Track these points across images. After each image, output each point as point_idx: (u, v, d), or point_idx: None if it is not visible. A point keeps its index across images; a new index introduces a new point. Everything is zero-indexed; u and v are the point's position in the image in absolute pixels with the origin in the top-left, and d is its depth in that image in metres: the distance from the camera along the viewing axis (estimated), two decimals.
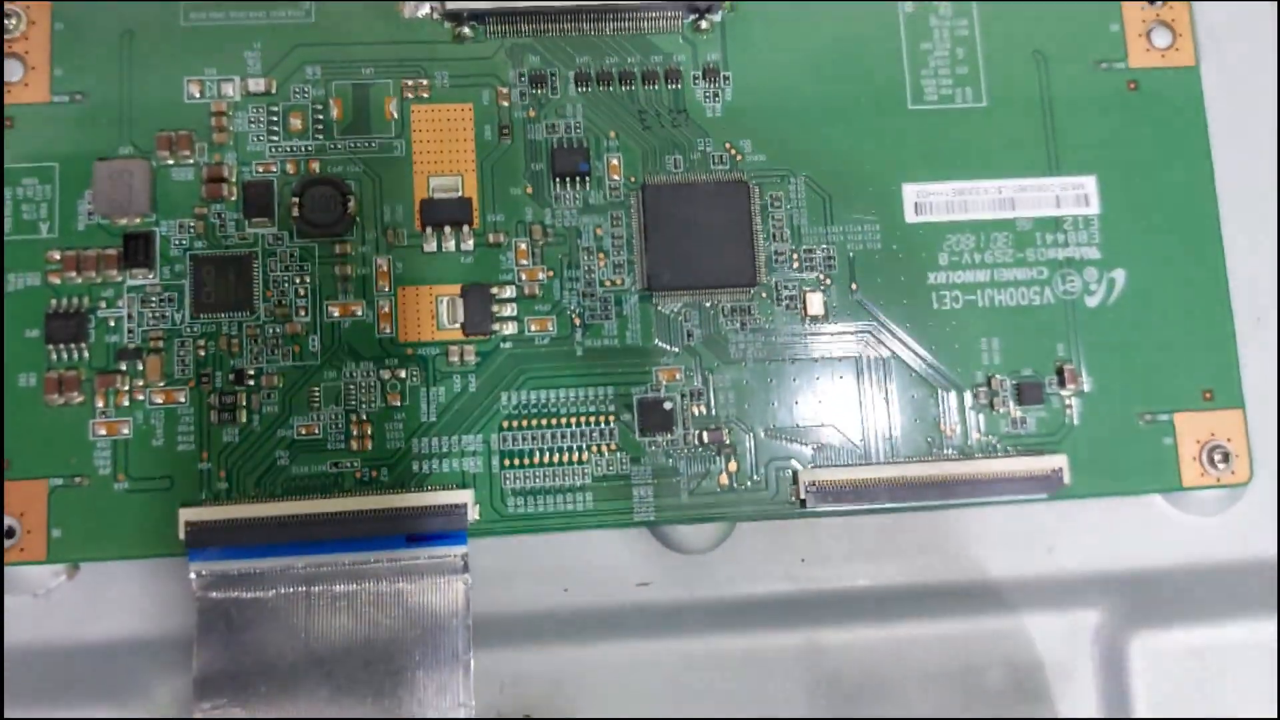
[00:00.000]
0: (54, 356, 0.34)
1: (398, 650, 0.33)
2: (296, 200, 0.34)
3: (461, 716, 0.32)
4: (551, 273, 0.35)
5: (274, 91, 0.35)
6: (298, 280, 0.34)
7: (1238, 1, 0.39)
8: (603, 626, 0.35)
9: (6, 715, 0.33)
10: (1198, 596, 0.36)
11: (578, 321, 0.35)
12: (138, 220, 0.34)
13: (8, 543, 0.33)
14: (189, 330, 0.34)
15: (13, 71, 0.35)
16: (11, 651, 0.34)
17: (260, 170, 0.35)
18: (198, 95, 0.35)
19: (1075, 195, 0.37)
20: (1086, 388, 0.36)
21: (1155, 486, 0.36)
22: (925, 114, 0.37)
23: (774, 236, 0.36)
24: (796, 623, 0.36)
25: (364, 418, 0.34)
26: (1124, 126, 0.37)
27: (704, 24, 0.36)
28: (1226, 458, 0.35)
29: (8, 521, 0.33)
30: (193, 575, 0.33)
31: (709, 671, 0.35)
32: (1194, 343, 0.36)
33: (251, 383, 0.34)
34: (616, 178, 0.36)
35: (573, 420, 0.35)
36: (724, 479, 0.35)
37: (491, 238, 0.35)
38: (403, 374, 0.34)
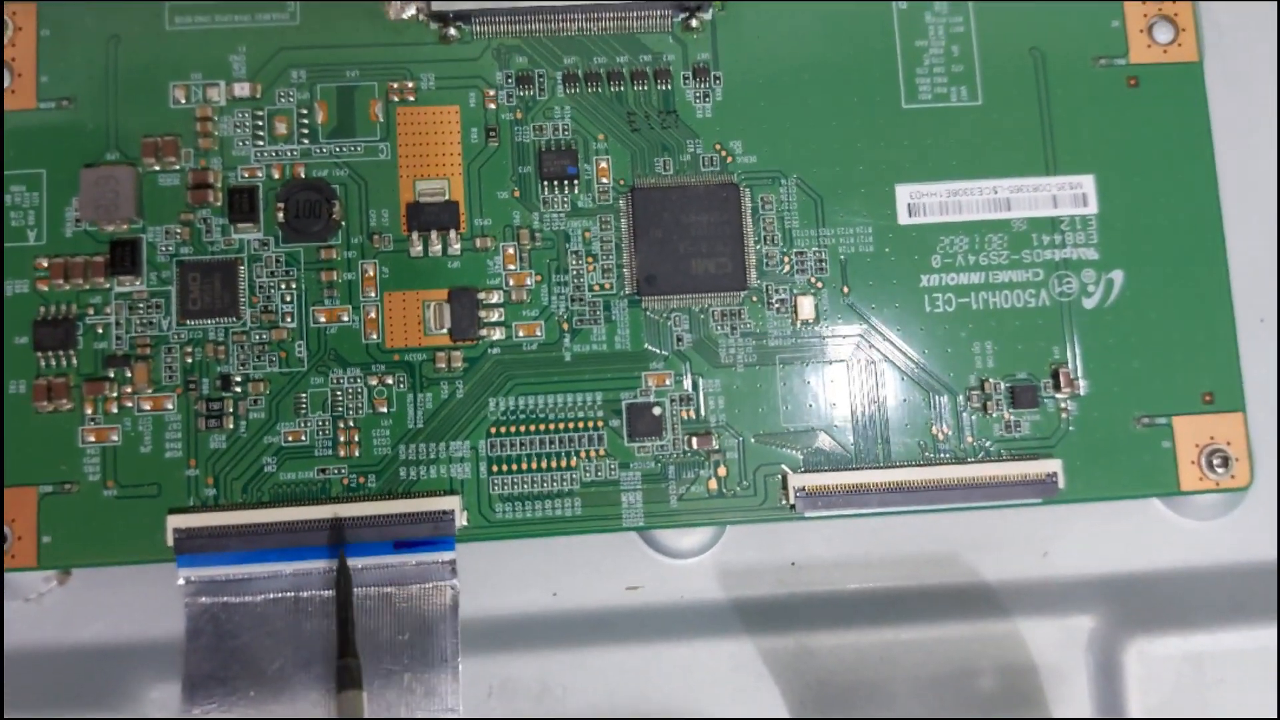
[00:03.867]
0: (43, 364, 0.34)
1: (386, 654, 0.33)
2: (281, 205, 0.34)
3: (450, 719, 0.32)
4: (540, 277, 0.35)
5: (259, 96, 0.35)
6: (284, 286, 0.34)
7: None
8: (591, 630, 0.35)
9: (6, 716, 0.34)
10: (1195, 602, 0.36)
11: (566, 326, 0.35)
12: (124, 227, 0.34)
13: None
14: (176, 337, 0.34)
15: None
16: (4, 655, 0.34)
17: (245, 175, 0.35)
18: (183, 100, 0.35)
19: (1073, 195, 0.36)
20: (1083, 391, 0.35)
21: (1152, 491, 0.35)
22: (919, 113, 0.36)
23: (765, 239, 0.35)
24: (787, 626, 0.35)
25: (351, 424, 0.34)
26: (1124, 124, 0.36)
27: (694, 23, 0.36)
28: (1226, 462, 0.35)
29: None
30: (181, 581, 0.33)
31: (698, 675, 0.35)
32: (1194, 345, 0.35)
33: (238, 389, 0.34)
34: (605, 180, 0.35)
35: (561, 426, 0.34)
36: (713, 484, 0.34)
37: (479, 242, 0.35)
38: (390, 380, 0.34)
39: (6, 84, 0.35)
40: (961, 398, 0.35)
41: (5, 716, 0.34)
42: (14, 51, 0.35)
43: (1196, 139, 0.36)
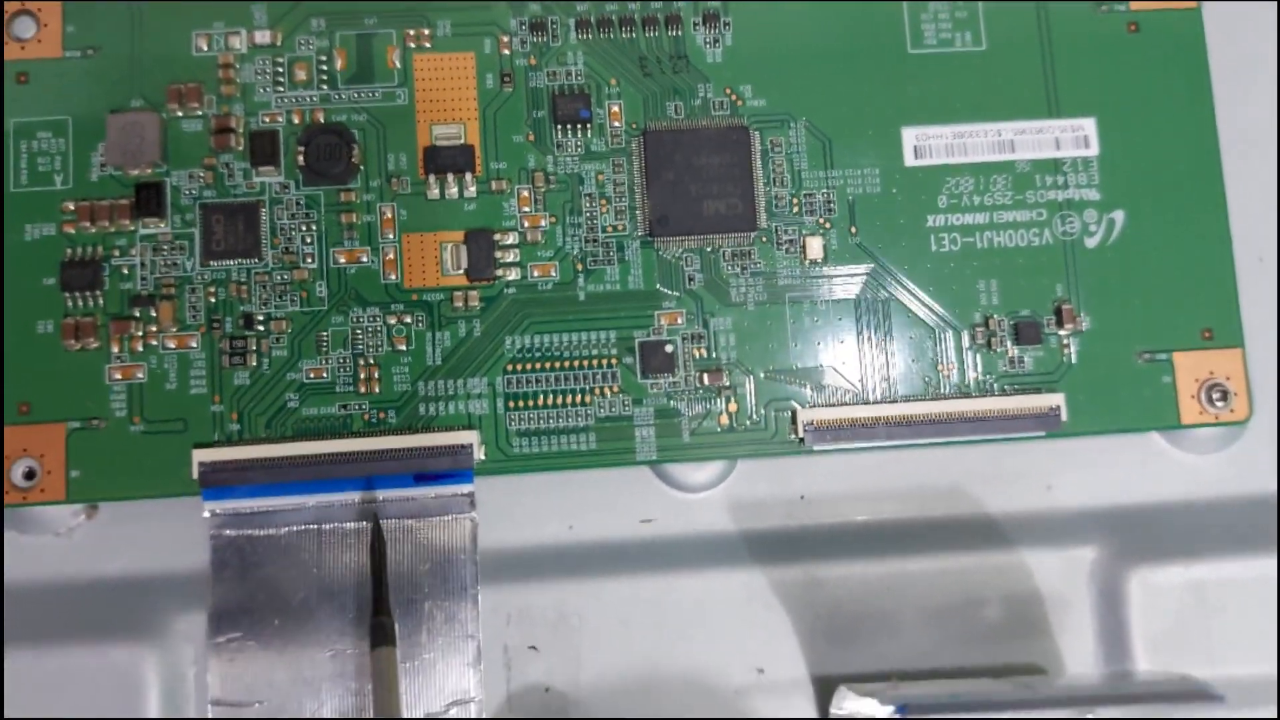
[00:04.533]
0: (70, 304, 0.35)
1: (408, 584, 0.34)
2: (302, 150, 0.35)
3: (471, 651, 0.33)
4: (554, 219, 0.36)
5: (279, 43, 0.36)
6: (304, 228, 0.35)
7: None
8: (606, 562, 0.36)
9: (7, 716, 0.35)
10: (1196, 533, 0.37)
11: (580, 267, 0.36)
12: (149, 171, 0.35)
13: (28, 484, 0.34)
14: (200, 277, 0.35)
15: (26, 28, 0.36)
16: (34, 588, 0.35)
17: (267, 120, 0.36)
18: (205, 48, 0.36)
19: (1075, 137, 0.37)
20: (1085, 327, 0.36)
21: (1153, 425, 0.36)
22: (925, 57, 0.37)
23: (774, 181, 0.36)
24: (796, 558, 0.36)
25: (371, 361, 0.35)
26: (1124, 68, 0.37)
27: None
28: (1225, 396, 0.36)
29: (28, 463, 0.34)
30: (206, 514, 0.34)
31: (709, 605, 0.36)
32: (1194, 282, 0.36)
33: (261, 328, 0.35)
34: (618, 124, 0.36)
35: (576, 363, 0.35)
36: (724, 419, 0.35)
37: (494, 185, 0.36)
38: (408, 319, 0.35)
39: (32, 34, 0.36)
40: (966, 334, 0.36)
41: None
42: (40, 3, 0.36)
43: (1196, 82, 0.37)
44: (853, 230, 0.36)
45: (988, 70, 0.37)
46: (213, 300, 0.35)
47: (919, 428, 0.35)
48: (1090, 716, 0.31)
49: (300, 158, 0.35)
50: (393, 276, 0.35)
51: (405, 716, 0.32)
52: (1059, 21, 0.37)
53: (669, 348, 0.35)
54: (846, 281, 0.36)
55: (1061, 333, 0.36)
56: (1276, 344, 0.37)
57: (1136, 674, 0.35)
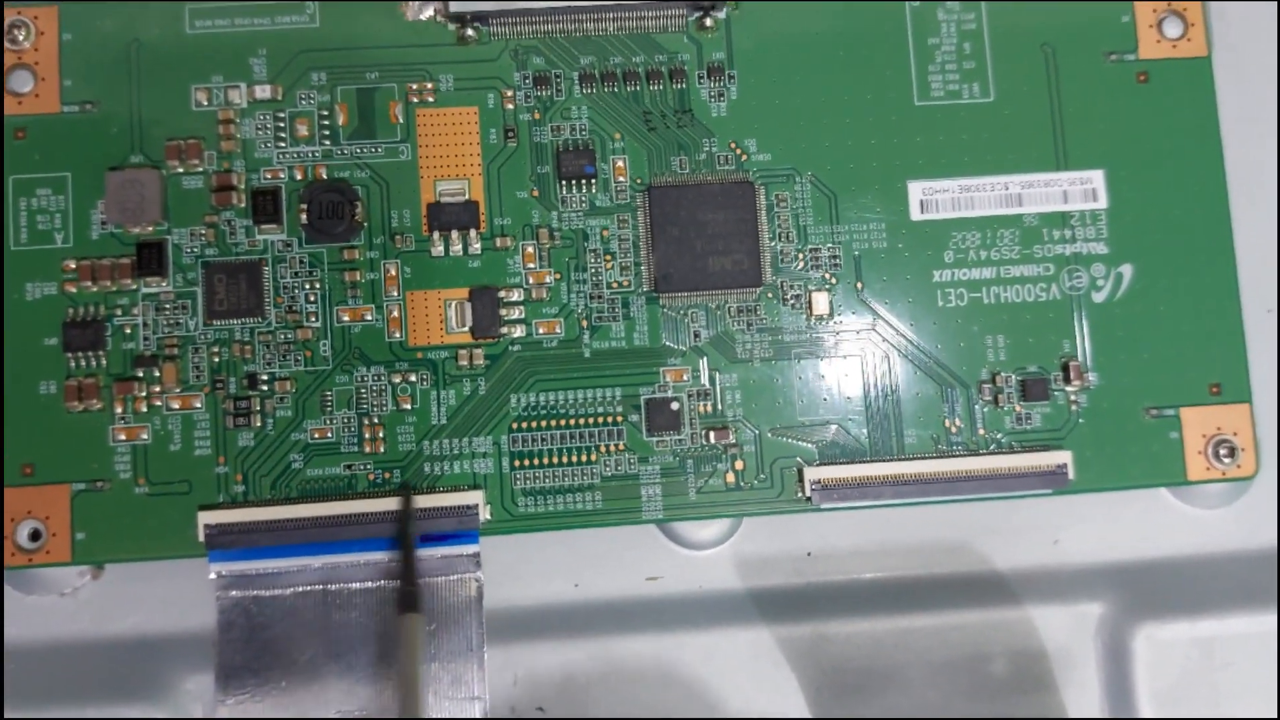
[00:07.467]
0: (73, 364, 0.34)
1: None
2: (304, 207, 0.35)
3: (476, 712, 0.33)
4: (559, 275, 0.35)
5: (280, 98, 0.36)
6: (308, 286, 0.35)
7: None
8: (613, 620, 0.36)
9: (7, 715, 0.35)
10: (1202, 588, 0.36)
11: (585, 324, 0.35)
12: (150, 229, 0.35)
13: (34, 546, 0.34)
14: (202, 337, 0.35)
15: (23, 82, 0.35)
16: (40, 648, 0.35)
17: (268, 177, 0.35)
18: (205, 103, 0.35)
19: (1083, 190, 0.36)
20: (1092, 383, 0.36)
21: (1160, 481, 0.36)
22: (931, 110, 0.36)
23: (780, 236, 0.36)
24: (803, 615, 0.36)
25: (376, 421, 0.35)
26: (1134, 119, 0.37)
27: (708, 22, 0.36)
28: (1233, 452, 0.36)
29: (33, 525, 0.34)
30: (212, 575, 0.34)
31: (717, 663, 0.36)
32: (1202, 337, 0.36)
33: (265, 387, 0.35)
34: (622, 179, 0.36)
35: (581, 421, 0.35)
36: (730, 477, 0.35)
37: (499, 241, 0.35)
38: (413, 377, 0.35)
39: (29, 88, 0.35)
40: (973, 391, 0.36)
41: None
42: (37, 55, 0.36)
43: (1205, 133, 0.37)
44: (859, 285, 0.36)
45: (995, 122, 0.37)
46: (216, 360, 0.35)
47: (926, 486, 0.35)
48: None
49: (303, 215, 0.35)
50: (397, 335, 0.35)
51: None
52: (1068, 72, 0.37)
53: (675, 405, 0.35)
54: (853, 337, 0.36)
55: (1069, 389, 0.36)
56: (1278, 398, 0.37)
57: None
